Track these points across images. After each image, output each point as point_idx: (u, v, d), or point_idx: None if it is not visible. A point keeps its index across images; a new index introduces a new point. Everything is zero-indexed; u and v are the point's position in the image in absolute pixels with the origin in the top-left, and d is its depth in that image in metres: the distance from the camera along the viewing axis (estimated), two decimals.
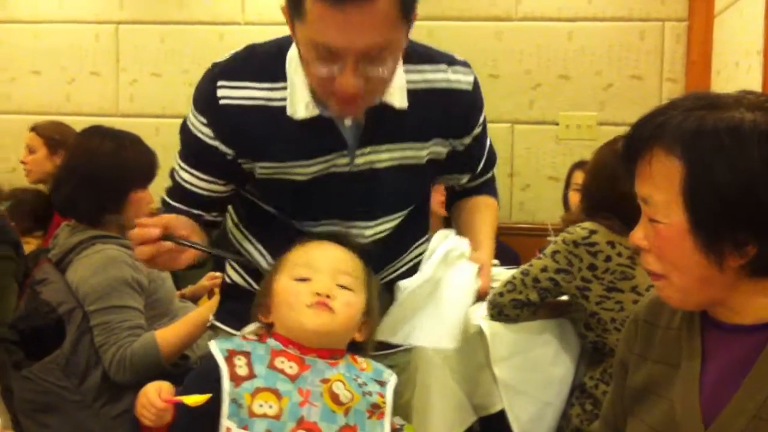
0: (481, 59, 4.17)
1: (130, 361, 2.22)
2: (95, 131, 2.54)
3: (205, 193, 1.63)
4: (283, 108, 1.54)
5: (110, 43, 4.51)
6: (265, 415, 1.35)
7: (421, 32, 4.20)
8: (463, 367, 2.47)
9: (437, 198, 3.60)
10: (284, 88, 1.54)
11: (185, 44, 4.41)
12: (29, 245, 3.13)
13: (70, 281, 2.31)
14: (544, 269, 2.36)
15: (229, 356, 1.40)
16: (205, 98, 1.57)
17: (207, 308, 2.33)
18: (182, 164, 1.64)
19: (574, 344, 2.53)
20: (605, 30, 4.10)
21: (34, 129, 3.73)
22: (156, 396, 1.33)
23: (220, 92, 1.54)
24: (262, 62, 1.57)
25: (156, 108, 4.43)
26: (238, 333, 1.54)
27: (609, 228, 2.30)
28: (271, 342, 1.45)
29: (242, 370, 1.38)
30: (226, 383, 1.37)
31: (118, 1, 4.51)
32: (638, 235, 1.26)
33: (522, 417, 2.44)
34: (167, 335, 2.27)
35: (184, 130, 1.62)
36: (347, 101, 1.42)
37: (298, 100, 1.53)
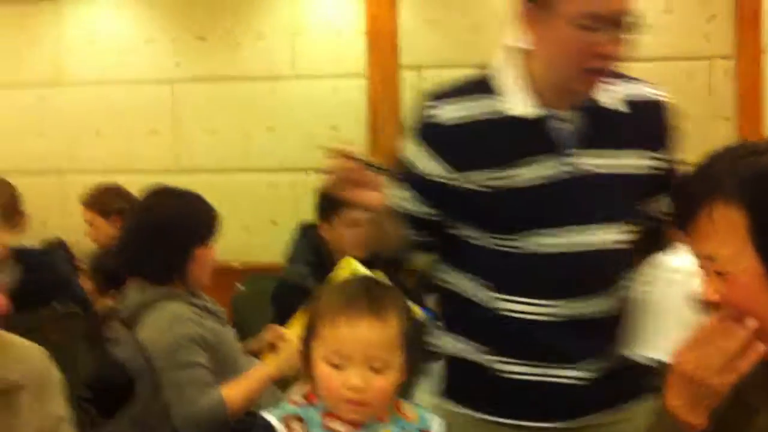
0: None
1: (198, 419, 2.28)
2: (157, 191, 2.64)
3: (413, 213, 1.81)
4: (495, 118, 1.72)
5: (167, 101, 4.67)
6: None
7: None
8: None
9: None
10: (492, 100, 1.72)
11: (239, 99, 4.55)
12: (106, 304, 3.24)
13: (139, 339, 2.39)
14: None
15: (285, 422, 1.46)
16: (419, 124, 1.78)
17: (271, 363, 2.40)
18: (399, 183, 1.81)
19: None
20: (651, 70, 4.07)
21: (83, 203, 3.98)
22: None
23: (431, 111, 1.76)
24: (467, 83, 1.79)
25: (213, 163, 4.57)
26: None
27: None
28: (321, 405, 1.49)
29: None
30: None
31: (173, 61, 4.68)
32: (709, 292, 1.25)
33: None
34: (233, 392, 2.32)
35: (401, 161, 1.81)
36: (603, 69, 1.66)
37: (517, 101, 1.71)
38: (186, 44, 4.64)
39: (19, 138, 4.81)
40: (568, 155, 1.72)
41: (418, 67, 4.37)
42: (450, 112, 1.74)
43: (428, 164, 1.76)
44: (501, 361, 1.78)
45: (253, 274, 3.94)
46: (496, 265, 1.74)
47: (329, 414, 1.47)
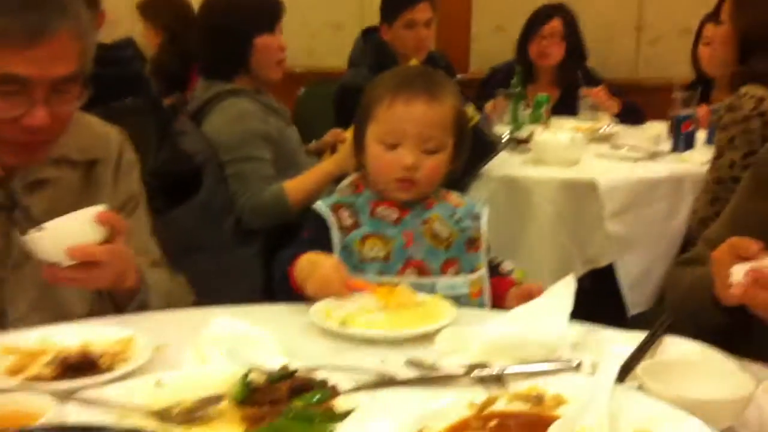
0: None
1: (262, 208, 2.40)
2: None
3: None
4: None
5: None
6: (375, 259, 1.48)
7: None
8: (575, 220, 2.52)
9: (535, 50, 3.55)
10: None
11: None
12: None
13: (205, 132, 2.48)
14: (731, 165, 2.16)
15: (334, 210, 1.52)
16: None
17: (331, 161, 2.47)
18: None
19: (688, 200, 2.52)
20: None
21: (138, 7, 4.04)
22: (338, 281, 1.35)
23: None
24: None
25: None
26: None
27: None
28: (368, 193, 1.55)
29: (348, 221, 1.51)
30: (335, 234, 1.50)
31: None
32: None
33: (632, 271, 2.49)
34: (295, 185, 2.42)
35: None
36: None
37: None
38: None
39: None
40: None
41: None
42: None
43: None
44: None
45: (315, 78, 3.95)
46: None
47: (377, 201, 1.53)
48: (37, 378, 1.08)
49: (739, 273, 1.14)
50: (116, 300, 1.39)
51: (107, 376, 1.08)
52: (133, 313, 1.37)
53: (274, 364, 1.09)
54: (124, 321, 1.30)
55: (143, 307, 1.39)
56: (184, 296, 1.55)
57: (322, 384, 1.04)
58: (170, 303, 1.45)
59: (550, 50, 3.58)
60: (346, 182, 1.62)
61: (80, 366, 1.11)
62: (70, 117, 1.38)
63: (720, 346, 1.18)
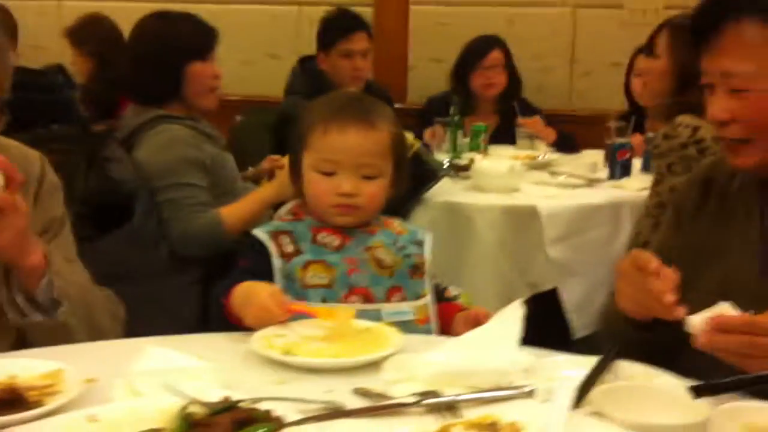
0: None
1: (195, 236, 2.32)
2: (149, 15, 2.58)
3: None
4: None
5: None
6: (317, 286, 1.44)
7: None
8: (516, 247, 2.53)
9: (479, 81, 3.62)
10: None
11: None
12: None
13: (136, 159, 2.40)
14: (672, 190, 2.18)
15: (274, 237, 1.48)
16: None
17: (269, 187, 2.41)
18: None
19: (626, 226, 2.54)
20: None
21: (66, 33, 3.95)
22: (276, 307, 1.31)
23: None
24: None
25: None
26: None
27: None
28: (308, 220, 1.51)
29: (289, 248, 1.47)
30: (276, 261, 1.45)
31: None
32: (719, 108, 1.24)
33: (574, 295, 2.50)
34: (230, 212, 2.35)
35: None
36: None
37: None
38: None
39: None
40: None
41: None
42: None
43: None
44: None
45: (251, 105, 3.89)
46: None
47: (318, 228, 1.49)
48: None
49: (696, 323, 1.13)
50: (21, 282, 1.29)
51: (36, 411, 1.01)
52: (60, 345, 1.28)
53: (213, 396, 1.03)
54: (52, 353, 1.22)
55: (52, 291, 1.30)
56: (110, 304, 1.49)
57: (267, 415, 0.98)
58: (91, 303, 1.39)
59: (495, 80, 3.64)
60: (284, 209, 1.58)
61: (6, 401, 1.03)
62: None
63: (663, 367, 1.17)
